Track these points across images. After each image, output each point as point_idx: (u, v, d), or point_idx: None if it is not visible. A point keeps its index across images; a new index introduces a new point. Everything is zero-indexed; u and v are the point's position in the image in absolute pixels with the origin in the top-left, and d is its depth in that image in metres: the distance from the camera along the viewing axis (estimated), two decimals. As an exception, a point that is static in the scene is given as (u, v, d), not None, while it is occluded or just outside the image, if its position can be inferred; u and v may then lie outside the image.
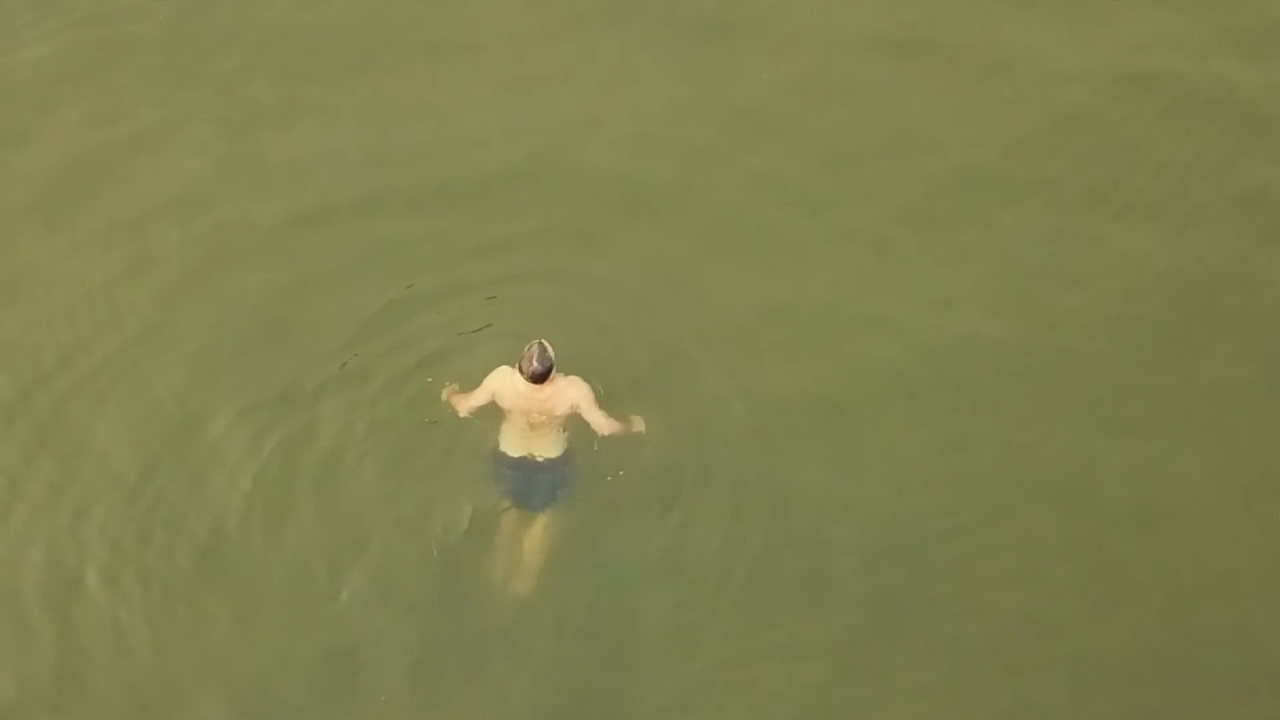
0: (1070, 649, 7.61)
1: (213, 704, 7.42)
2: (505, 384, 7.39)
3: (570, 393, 7.37)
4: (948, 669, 7.56)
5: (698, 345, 8.50)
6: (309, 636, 7.59)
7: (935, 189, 9.22)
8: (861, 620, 7.66)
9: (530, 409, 7.35)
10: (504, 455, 7.53)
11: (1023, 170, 9.31)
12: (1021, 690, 7.51)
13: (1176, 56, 9.82)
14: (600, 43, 9.95)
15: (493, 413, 7.66)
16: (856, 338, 8.61)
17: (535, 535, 7.63)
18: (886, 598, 7.71)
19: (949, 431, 8.25)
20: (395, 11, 10.14)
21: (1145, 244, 8.96)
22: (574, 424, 7.60)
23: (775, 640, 7.63)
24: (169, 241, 8.96)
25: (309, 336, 8.52)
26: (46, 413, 8.24)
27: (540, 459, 7.49)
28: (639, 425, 7.63)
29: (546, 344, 7.25)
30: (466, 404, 7.60)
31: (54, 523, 7.90)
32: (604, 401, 7.65)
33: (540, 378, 7.21)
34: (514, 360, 7.46)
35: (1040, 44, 9.91)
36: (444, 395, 7.77)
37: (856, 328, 8.66)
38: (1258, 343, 8.58)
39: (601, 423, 7.43)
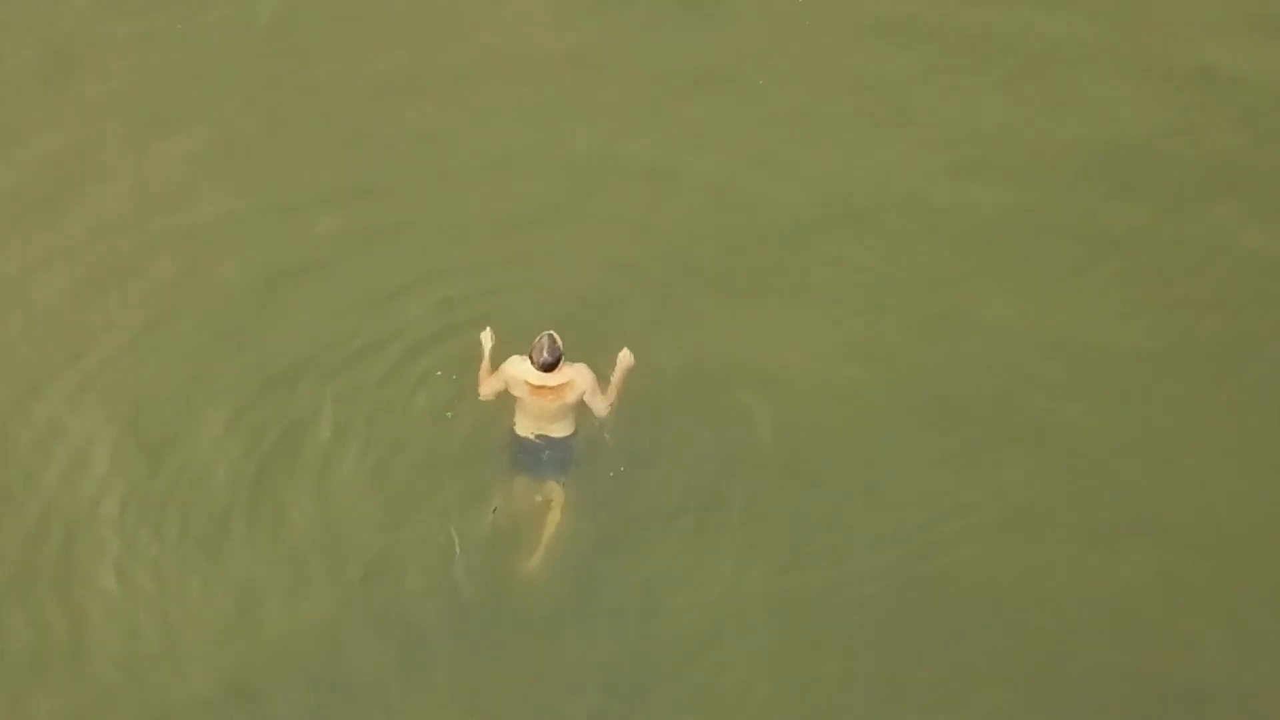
0: (1070, 655, 7.66)
1: (218, 690, 7.51)
2: (517, 373, 7.66)
3: (578, 382, 7.64)
4: (950, 672, 7.63)
5: (718, 346, 8.61)
6: (320, 626, 7.67)
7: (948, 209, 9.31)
8: (869, 621, 7.75)
9: (541, 396, 7.62)
10: (517, 437, 7.82)
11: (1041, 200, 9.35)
12: (1018, 697, 7.58)
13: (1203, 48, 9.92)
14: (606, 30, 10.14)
15: (507, 398, 7.83)
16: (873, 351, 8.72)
17: (547, 509, 7.86)
18: (894, 600, 7.79)
19: (962, 449, 8.31)
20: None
21: (1151, 256, 9.05)
22: (582, 405, 7.79)
23: (784, 643, 7.72)
24: (167, 236, 9.02)
25: (313, 328, 8.61)
26: (57, 409, 8.31)
27: (551, 438, 7.79)
28: (628, 361, 7.80)
29: (555, 335, 7.52)
30: (487, 388, 7.82)
31: (68, 516, 7.98)
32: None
33: (550, 367, 7.50)
34: (525, 350, 7.66)
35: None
36: (484, 338, 7.93)
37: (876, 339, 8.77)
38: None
39: (603, 408, 7.71)
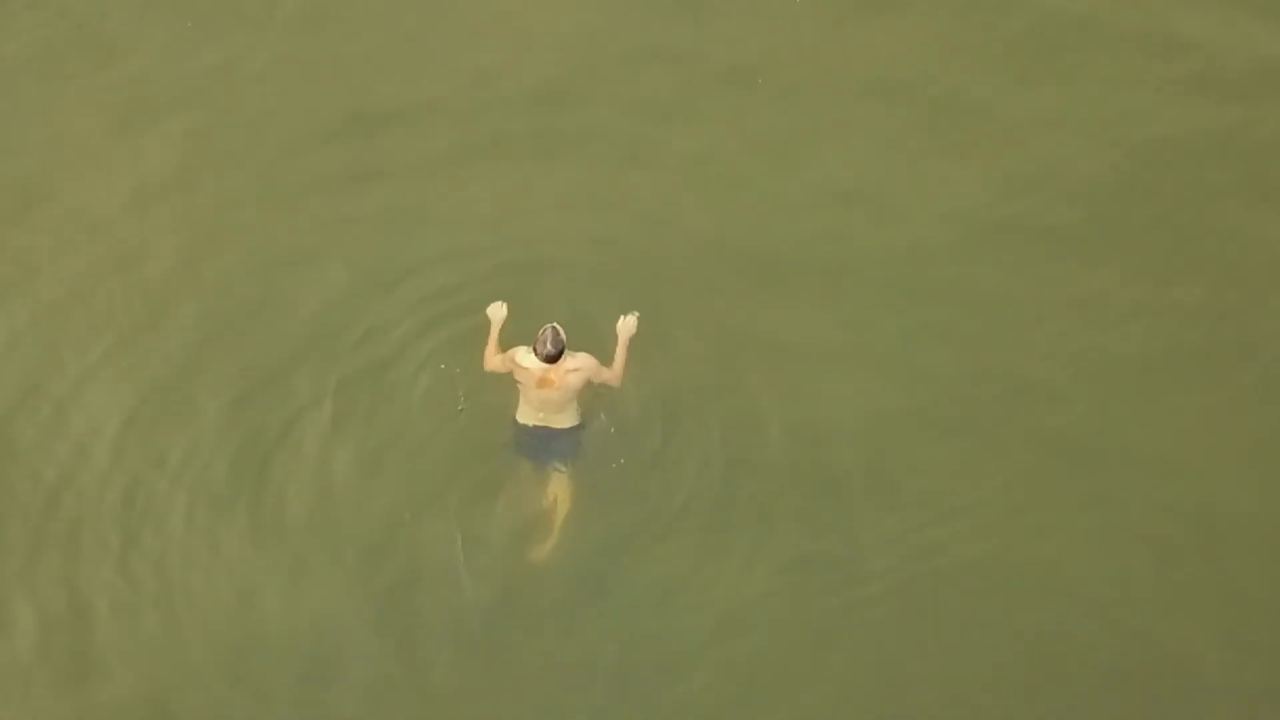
0: (1071, 656, 7.71)
1: (220, 681, 7.59)
2: (522, 362, 7.78)
3: (581, 372, 7.76)
4: (954, 670, 7.69)
5: (729, 345, 8.63)
6: (322, 619, 7.74)
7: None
8: (874, 619, 7.80)
9: (545, 385, 7.75)
10: (520, 425, 7.96)
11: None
12: (1021, 697, 7.63)
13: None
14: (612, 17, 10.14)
15: (511, 386, 7.91)
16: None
17: (554, 497, 7.98)
18: (898, 600, 7.84)
19: (967, 451, 8.33)
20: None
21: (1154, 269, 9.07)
22: (585, 393, 7.88)
23: (790, 641, 7.77)
24: (167, 228, 9.05)
25: (315, 317, 8.67)
26: (61, 404, 8.37)
27: (553, 429, 7.90)
28: (629, 329, 7.92)
29: (558, 327, 7.65)
30: (492, 360, 7.93)
31: (72, 510, 8.05)
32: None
33: (554, 358, 7.65)
34: (528, 341, 7.75)
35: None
36: (494, 311, 8.01)
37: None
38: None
39: (612, 377, 7.87)
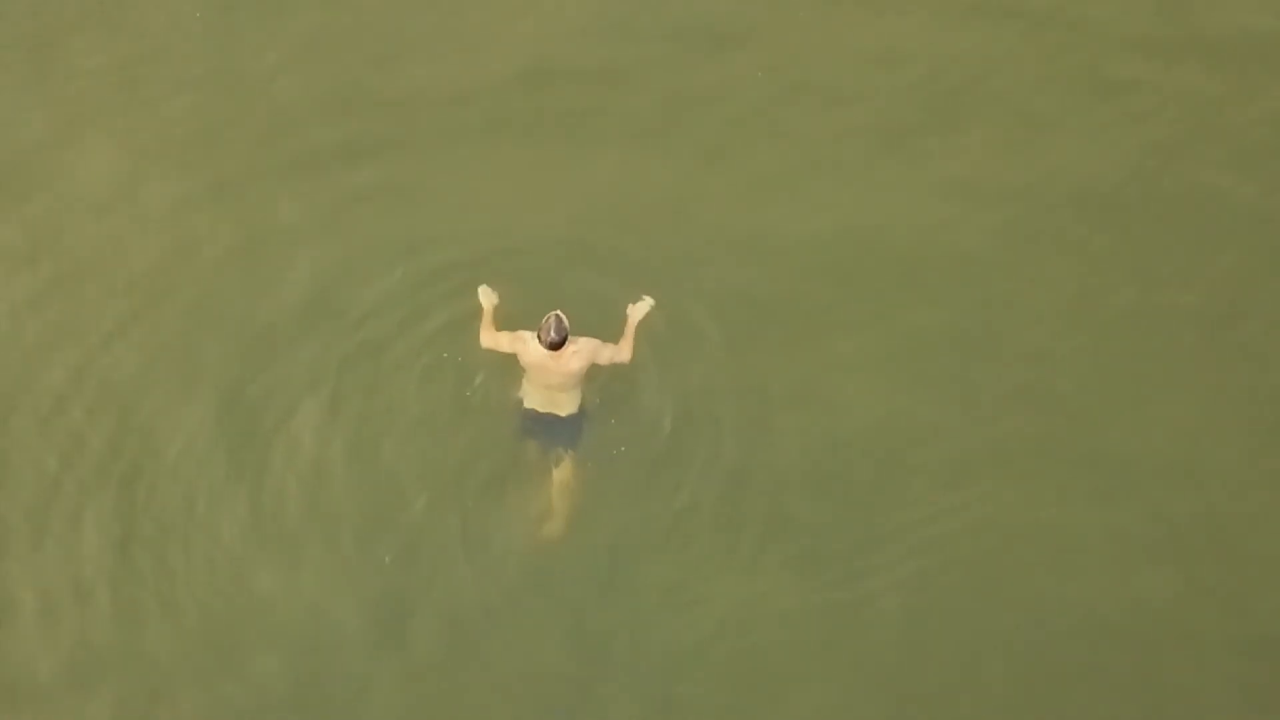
0: (1077, 662, 7.76)
1: (216, 668, 7.61)
2: (526, 346, 7.81)
3: (582, 354, 7.77)
4: (958, 672, 7.74)
5: (740, 342, 8.67)
6: (350, 596, 7.77)
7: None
8: (880, 619, 7.84)
9: (548, 371, 7.79)
10: (527, 411, 7.98)
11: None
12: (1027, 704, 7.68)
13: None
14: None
15: (515, 369, 7.92)
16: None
17: (562, 478, 8.02)
18: (905, 601, 7.88)
19: (975, 459, 8.36)
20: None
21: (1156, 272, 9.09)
22: (591, 380, 7.91)
23: (795, 640, 7.81)
24: (158, 219, 8.99)
25: (310, 303, 8.65)
26: (60, 395, 8.34)
27: (557, 415, 7.93)
28: (638, 314, 7.96)
29: (562, 315, 7.64)
30: (491, 336, 7.94)
31: (73, 501, 8.02)
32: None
33: (557, 346, 7.66)
34: (534, 325, 7.74)
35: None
36: (484, 295, 8.03)
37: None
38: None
39: (616, 353, 7.87)
